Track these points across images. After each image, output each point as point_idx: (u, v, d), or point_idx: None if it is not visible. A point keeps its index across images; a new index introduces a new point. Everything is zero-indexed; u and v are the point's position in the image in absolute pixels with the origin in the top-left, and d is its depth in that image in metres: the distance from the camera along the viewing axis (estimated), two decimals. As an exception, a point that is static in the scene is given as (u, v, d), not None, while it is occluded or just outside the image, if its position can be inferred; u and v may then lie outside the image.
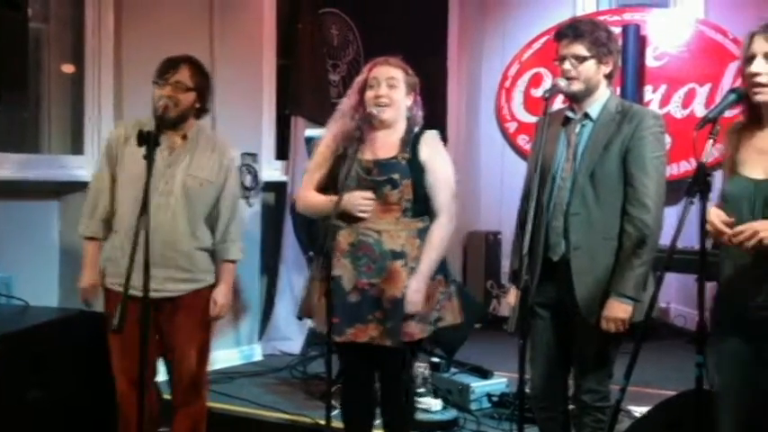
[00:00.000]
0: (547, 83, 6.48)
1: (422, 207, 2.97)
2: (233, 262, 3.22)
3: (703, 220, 2.21)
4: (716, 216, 2.29)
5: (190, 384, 3.14)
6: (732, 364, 2.41)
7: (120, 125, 3.26)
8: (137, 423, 2.78)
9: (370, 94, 2.97)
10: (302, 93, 5.30)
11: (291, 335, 5.17)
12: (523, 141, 6.77)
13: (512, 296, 2.87)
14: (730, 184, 2.40)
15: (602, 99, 2.79)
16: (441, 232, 2.96)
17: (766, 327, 2.33)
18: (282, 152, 5.40)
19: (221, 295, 3.17)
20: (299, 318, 3.20)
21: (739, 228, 2.25)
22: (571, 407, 2.93)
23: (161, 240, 2.99)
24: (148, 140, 2.69)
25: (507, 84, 6.94)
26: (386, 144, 2.98)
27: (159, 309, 3.05)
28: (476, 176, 6.96)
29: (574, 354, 2.83)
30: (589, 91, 2.77)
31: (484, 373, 4.14)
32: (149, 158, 2.67)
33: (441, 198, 2.97)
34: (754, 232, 2.22)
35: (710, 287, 2.83)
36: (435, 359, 4.24)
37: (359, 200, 2.89)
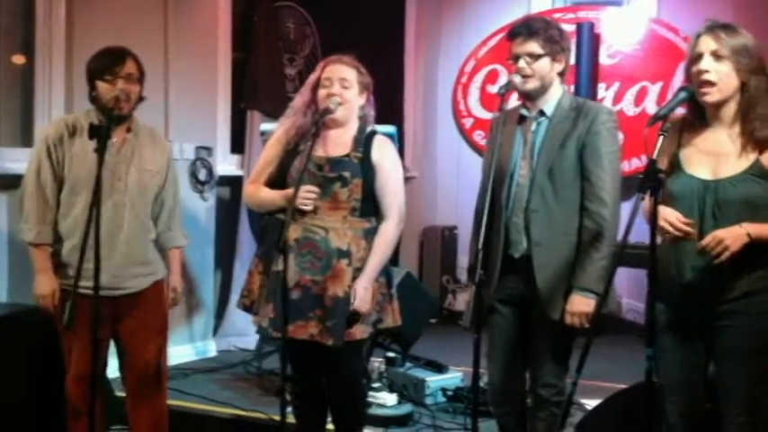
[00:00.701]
0: (502, 79, 6.53)
1: (369, 207, 2.98)
2: (179, 248, 3.25)
3: (654, 215, 2.25)
4: (675, 217, 2.33)
5: (153, 378, 3.11)
6: (678, 357, 2.46)
7: (54, 124, 3.11)
8: (86, 420, 2.74)
9: (322, 92, 2.96)
10: (258, 87, 5.27)
11: (246, 330, 5.12)
12: (479, 137, 6.81)
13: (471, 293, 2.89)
14: (676, 182, 2.43)
15: (556, 96, 2.82)
16: (388, 235, 2.98)
17: (711, 320, 2.38)
18: (238, 146, 5.36)
19: (178, 282, 3.21)
20: (239, 307, 3.17)
21: (704, 242, 2.29)
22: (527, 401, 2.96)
23: (124, 239, 2.99)
24: (99, 133, 2.65)
25: (464, 80, 6.97)
26: (338, 142, 2.98)
27: (116, 305, 3.02)
28: (432, 172, 6.98)
29: (532, 349, 2.86)
30: (544, 88, 2.80)
31: (439, 368, 4.16)
32: (101, 151, 2.65)
33: (390, 201, 2.99)
34: (720, 241, 2.26)
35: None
36: (391, 354, 4.26)
37: (302, 192, 2.87)
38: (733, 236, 2.26)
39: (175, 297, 3.22)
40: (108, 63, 2.97)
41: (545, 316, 2.76)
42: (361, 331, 2.95)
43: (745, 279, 2.34)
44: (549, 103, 2.82)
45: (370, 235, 2.97)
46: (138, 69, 3.02)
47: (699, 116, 2.45)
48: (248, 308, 3.05)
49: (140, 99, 3.07)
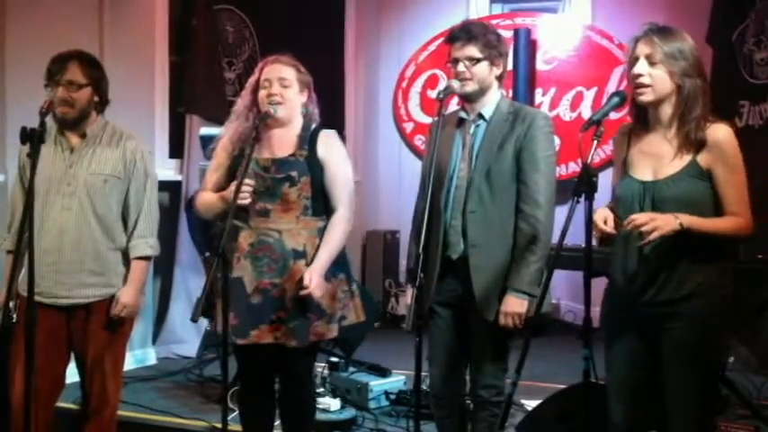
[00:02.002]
0: (442, 84, 6.58)
1: (321, 205, 2.97)
2: (141, 259, 3.06)
3: (589, 219, 2.30)
4: (599, 217, 2.39)
5: (100, 394, 3.04)
6: (624, 357, 2.50)
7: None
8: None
9: (262, 93, 2.95)
10: (197, 90, 5.21)
11: (187, 337, 5.07)
12: (420, 141, 6.85)
13: (410, 296, 2.90)
14: (620, 186, 2.50)
15: (494, 100, 2.87)
16: (339, 228, 2.95)
17: (655, 322, 2.42)
18: (177, 150, 5.29)
19: (124, 294, 3.00)
20: (193, 320, 3.12)
21: (637, 218, 2.31)
22: (467, 402, 2.99)
23: (69, 244, 2.92)
24: (32, 138, 2.60)
25: (404, 84, 7.02)
26: (283, 142, 2.97)
27: (72, 316, 2.96)
28: (374, 176, 7.00)
29: (471, 350, 2.88)
30: (482, 92, 2.84)
31: (382, 372, 4.18)
32: (33, 156, 2.60)
33: (339, 194, 2.97)
34: (652, 218, 2.30)
35: (601, 283, 2.94)
36: (334, 358, 4.25)
37: (234, 186, 2.79)
38: (664, 219, 2.31)
39: (117, 308, 2.98)
40: (50, 70, 2.92)
41: (482, 317, 2.79)
42: (329, 330, 2.94)
43: (689, 281, 2.38)
44: (488, 107, 2.86)
45: (324, 234, 2.96)
46: (84, 75, 2.94)
47: (641, 119, 2.51)
48: (205, 315, 2.99)
49: (100, 103, 3.01)
